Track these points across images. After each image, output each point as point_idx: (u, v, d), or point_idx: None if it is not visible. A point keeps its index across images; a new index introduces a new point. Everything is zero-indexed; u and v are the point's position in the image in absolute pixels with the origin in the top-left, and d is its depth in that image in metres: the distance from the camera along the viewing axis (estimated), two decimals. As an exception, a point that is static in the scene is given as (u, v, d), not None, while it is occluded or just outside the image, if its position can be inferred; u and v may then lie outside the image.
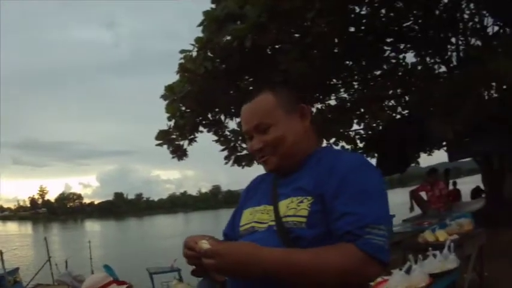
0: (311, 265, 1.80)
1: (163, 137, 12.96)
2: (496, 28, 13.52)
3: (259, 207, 2.19)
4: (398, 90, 13.95)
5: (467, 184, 25.19)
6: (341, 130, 12.98)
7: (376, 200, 1.93)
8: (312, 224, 1.94)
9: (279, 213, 2.04)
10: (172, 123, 12.58)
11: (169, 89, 11.41)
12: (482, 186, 18.45)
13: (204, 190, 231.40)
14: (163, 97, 11.62)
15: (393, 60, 13.97)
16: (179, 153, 13.59)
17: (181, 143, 13.44)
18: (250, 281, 1.85)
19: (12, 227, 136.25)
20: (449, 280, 5.35)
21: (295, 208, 2.00)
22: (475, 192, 21.52)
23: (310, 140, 2.20)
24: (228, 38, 9.87)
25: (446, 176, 12.48)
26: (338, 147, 13.36)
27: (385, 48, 13.48)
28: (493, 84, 10.47)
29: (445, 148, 15.97)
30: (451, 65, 13.70)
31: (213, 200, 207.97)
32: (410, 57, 14.42)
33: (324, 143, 12.48)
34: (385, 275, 4.89)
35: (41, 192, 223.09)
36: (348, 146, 14.37)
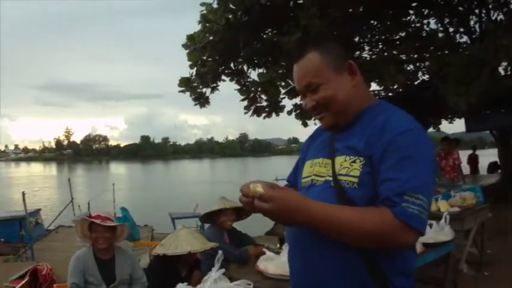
0: (349, 224, 1.92)
1: (185, 84, 13.21)
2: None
3: (317, 159, 2.32)
4: (417, 55, 14.01)
5: (488, 157, 25.02)
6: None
7: (420, 168, 1.97)
8: (363, 185, 2.04)
9: (335, 169, 2.16)
10: (194, 71, 12.86)
11: (191, 38, 11.70)
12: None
13: (231, 137, 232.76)
14: (184, 46, 11.89)
15: (418, 25, 14.01)
16: (201, 101, 13.84)
17: (203, 90, 13.71)
18: (303, 229, 2.05)
19: (36, 168, 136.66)
20: (442, 251, 5.53)
21: (348, 167, 2.10)
22: (492, 166, 21.54)
23: (362, 95, 2.30)
24: (247, -9, 10.10)
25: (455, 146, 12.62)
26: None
27: (410, 11, 13.50)
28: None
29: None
30: (473, 36, 13.74)
31: (239, 147, 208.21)
32: (434, 24, 14.45)
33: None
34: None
35: (66, 134, 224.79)
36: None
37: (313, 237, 2.07)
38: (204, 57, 12.27)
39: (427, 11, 13.59)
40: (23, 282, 8.43)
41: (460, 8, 13.24)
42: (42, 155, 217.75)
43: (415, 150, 1.98)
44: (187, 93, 13.65)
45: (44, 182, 64.81)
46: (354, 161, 2.09)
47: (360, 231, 1.92)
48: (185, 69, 12.98)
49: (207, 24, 11.13)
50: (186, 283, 3.54)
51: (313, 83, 2.21)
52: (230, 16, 10.59)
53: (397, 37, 14.20)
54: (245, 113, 13.30)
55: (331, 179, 2.16)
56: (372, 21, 13.17)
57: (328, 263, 2.10)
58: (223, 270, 3.03)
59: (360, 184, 2.04)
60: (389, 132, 2.02)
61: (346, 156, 2.14)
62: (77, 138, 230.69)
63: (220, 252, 2.99)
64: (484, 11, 13.62)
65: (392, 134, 2.01)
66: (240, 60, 13.25)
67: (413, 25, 13.89)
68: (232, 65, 13.27)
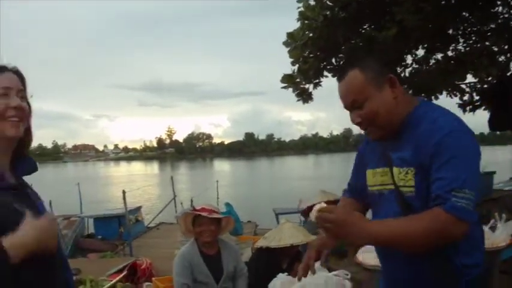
0: (401, 234, 2.18)
1: (288, 80, 13.32)
2: None
3: (378, 169, 2.58)
4: (508, 47, 13.76)
5: None
6: (456, 82, 13.01)
7: (465, 165, 2.19)
8: (419, 192, 2.30)
9: (395, 179, 2.43)
10: (296, 67, 13.04)
11: (291, 36, 11.89)
12: None
13: (335, 133, 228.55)
14: (285, 44, 12.09)
15: (506, 15, 13.71)
16: (304, 97, 13.92)
17: (306, 86, 13.84)
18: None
19: (137, 167, 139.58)
20: (533, 242, 5.48)
21: (404, 179, 2.37)
22: None
23: (404, 104, 2.48)
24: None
25: None
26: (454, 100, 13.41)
27: (497, 2, 13.24)
28: None
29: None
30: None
31: (343, 142, 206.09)
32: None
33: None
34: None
35: (168, 133, 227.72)
36: (464, 99, 14.27)
37: None
38: (305, 54, 12.40)
39: (512, 1, 13.29)
40: (121, 275, 8.88)
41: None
42: (144, 154, 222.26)
43: (459, 150, 2.22)
44: (290, 90, 13.81)
45: (145, 180, 65.85)
46: (407, 172, 2.36)
47: (413, 237, 2.18)
48: (285, 65, 13.12)
49: (306, 22, 11.29)
50: (286, 273, 3.80)
51: (357, 100, 2.44)
52: (328, 13, 10.70)
53: (488, 28, 13.99)
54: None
55: (393, 187, 2.45)
56: (464, 13, 13.05)
57: (402, 262, 2.44)
58: (322, 260, 3.24)
59: (417, 192, 2.32)
60: (436, 135, 2.26)
61: (400, 168, 2.40)
62: (180, 137, 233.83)
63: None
64: None
65: (439, 136, 2.24)
66: (341, 55, 13.33)
67: (501, 16, 13.64)
68: (333, 60, 13.35)
